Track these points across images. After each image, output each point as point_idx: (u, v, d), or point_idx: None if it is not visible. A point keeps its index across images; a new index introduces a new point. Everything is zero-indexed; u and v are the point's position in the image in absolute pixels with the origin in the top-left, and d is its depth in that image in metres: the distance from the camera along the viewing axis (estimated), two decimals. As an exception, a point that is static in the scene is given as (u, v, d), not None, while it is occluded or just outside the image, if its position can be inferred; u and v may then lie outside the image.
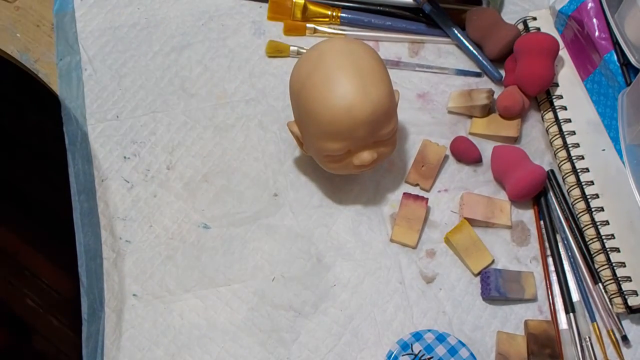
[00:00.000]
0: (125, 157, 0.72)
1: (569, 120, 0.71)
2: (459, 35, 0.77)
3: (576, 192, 0.69)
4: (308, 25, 0.78)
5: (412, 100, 0.75)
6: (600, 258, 0.66)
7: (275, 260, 0.67)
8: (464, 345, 0.63)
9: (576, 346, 0.64)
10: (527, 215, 0.70)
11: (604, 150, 0.70)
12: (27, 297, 1.34)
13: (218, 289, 0.66)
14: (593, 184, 0.68)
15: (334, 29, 0.79)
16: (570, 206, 0.69)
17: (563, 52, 0.75)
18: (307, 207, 0.70)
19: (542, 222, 0.69)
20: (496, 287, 0.65)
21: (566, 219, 0.69)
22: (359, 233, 0.69)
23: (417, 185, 0.71)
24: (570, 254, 0.68)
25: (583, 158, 0.69)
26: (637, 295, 0.64)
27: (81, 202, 0.69)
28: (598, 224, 0.66)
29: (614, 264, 0.65)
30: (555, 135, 0.71)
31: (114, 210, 0.69)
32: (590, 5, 0.71)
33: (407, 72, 0.77)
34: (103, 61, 0.76)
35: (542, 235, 0.69)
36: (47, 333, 1.33)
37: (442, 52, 0.78)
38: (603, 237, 0.66)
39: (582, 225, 0.68)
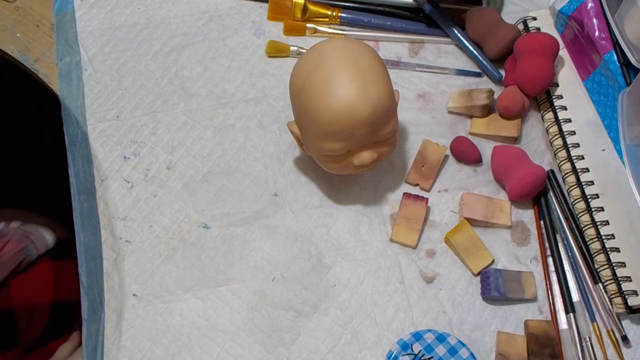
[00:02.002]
0: (125, 157, 0.72)
1: (569, 120, 0.71)
2: (459, 35, 0.77)
3: (576, 192, 0.69)
4: (308, 25, 0.78)
5: (412, 100, 0.75)
6: (600, 258, 0.66)
7: (275, 260, 0.67)
8: (464, 345, 0.63)
9: (576, 346, 0.64)
10: (527, 215, 0.70)
11: (604, 150, 0.70)
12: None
13: (218, 289, 0.66)
14: (593, 184, 0.68)
15: (334, 29, 0.79)
16: (570, 206, 0.69)
17: (563, 52, 0.75)
18: (307, 207, 0.70)
19: (542, 222, 0.69)
20: (496, 287, 0.65)
21: (566, 219, 0.69)
22: (359, 233, 0.69)
23: (417, 185, 0.71)
24: (570, 254, 0.68)
25: (583, 158, 0.69)
26: (637, 295, 0.64)
27: (81, 202, 0.69)
28: (598, 224, 0.66)
29: (614, 264, 0.65)
30: (555, 135, 0.71)
31: (114, 210, 0.69)
32: (590, 5, 0.71)
33: (407, 72, 0.77)
34: (103, 61, 0.76)
35: (542, 235, 0.69)
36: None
37: (442, 52, 0.78)
38: (603, 237, 0.66)
39: (582, 225, 0.68)
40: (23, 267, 0.84)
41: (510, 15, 0.79)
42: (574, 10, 0.72)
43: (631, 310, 0.64)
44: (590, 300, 0.66)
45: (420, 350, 0.62)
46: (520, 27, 0.77)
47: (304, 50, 0.76)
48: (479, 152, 0.71)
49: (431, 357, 0.62)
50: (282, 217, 0.69)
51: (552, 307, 0.66)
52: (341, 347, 0.64)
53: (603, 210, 0.67)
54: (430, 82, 0.76)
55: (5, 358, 0.81)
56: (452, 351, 0.62)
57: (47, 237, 0.88)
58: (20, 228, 0.88)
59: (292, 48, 0.77)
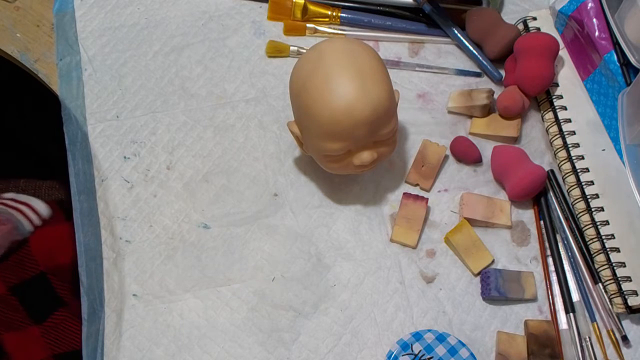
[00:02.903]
0: (125, 157, 0.72)
1: (569, 120, 0.71)
2: (459, 35, 0.77)
3: (576, 192, 0.69)
4: (308, 25, 0.78)
5: (412, 100, 0.75)
6: (600, 258, 0.66)
7: (275, 260, 0.67)
8: (464, 345, 0.63)
9: (576, 346, 0.64)
10: (527, 215, 0.70)
11: (604, 150, 0.70)
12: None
13: (218, 289, 0.66)
14: (593, 184, 0.68)
15: (334, 29, 0.79)
16: (570, 206, 0.69)
17: (563, 52, 0.75)
18: (307, 207, 0.70)
19: (542, 222, 0.69)
20: (496, 287, 0.65)
21: (566, 219, 0.69)
22: (359, 233, 0.69)
23: (417, 185, 0.71)
24: (570, 254, 0.68)
25: (583, 158, 0.69)
26: (637, 295, 0.64)
27: (81, 202, 0.69)
28: (598, 224, 0.66)
29: (614, 264, 0.65)
30: (555, 135, 0.71)
31: (114, 210, 0.69)
32: (590, 5, 0.71)
33: (407, 72, 0.77)
34: (103, 61, 0.76)
35: (542, 235, 0.69)
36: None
37: (442, 52, 0.78)
38: (603, 237, 0.66)
39: (582, 225, 0.68)
40: (16, 246, 0.84)
41: (510, 15, 0.79)
42: (574, 10, 0.72)
43: (631, 310, 0.64)
44: (590, 300, 0.66)
45: (420, 350, 0.62)
46: (520, 27, 0.77)
47: (304, 50, 0.76)
48: (479, 152, 0.71)
49: (431, 357, 0.62)
50: (282, 217, 0.69)
51: (552, 307, 0.66)
52: (341, 347, 0.64)
53: (603, 210, 0.67)
54: (430, 82, 0.76)
55: (61, 317, 0.83)
56: (452, 351, 0.62)
57: (40, 209, 0.88)
58: (11, 200, 0.88)
59: (292, 48, 0.77)
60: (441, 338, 0.63)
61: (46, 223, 0.87)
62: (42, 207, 0.88)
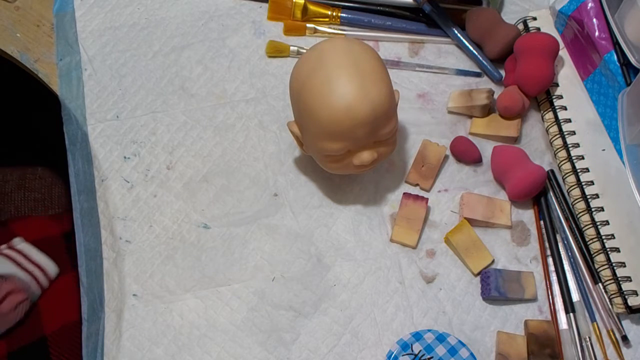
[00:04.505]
0: (125, 157, 0.72)
1: (569, 120, 0.71)
2: (459, 35, 0.77)
3: (576, 192, 0.69)
4: (308, 25, 0.78)
5: (412, 100, 0.75)
6: (600, 258, 0.66)
7: (275, 260, 0.67)
8: (464, 345, 0.63)
9: (576, 346, 0.64)
10: (527, 215, 0.70)
11: (604, 150, 0.70)
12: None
13: (218, 289, 0.66)
14: (593, 184, 0.68)
15: (334, 29, 0.79)
16: (570, 206, 0.69)
17: (563, 52, 0.75)
18: (307, 207, 0.70)
19: (542, 222, 0.69)
20: (496, 287, 0.65)
21: (566, 219, 0.69)
22: (359, 233, 0.69)
23: (417, 185, 0.71)
24: (570, 254, 0.68)
25: (583, 158, 0.69)
26: (637, 295, 0.64)
27: (81, 202, 0.69)
28: (598, 224, 0.66)
29: (614, 264, 0.65)
30: (555, 135, 0.71)
31: (114, 210, 0.69)
32: (590, 5, 0.71)
33: (407, 72, 0.77)
34: (103, 61, 0.76)
35: (542, 235, 0.69)
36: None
37: (442, 52, 0.78)
38: (603, 237, 0.66)
39: (582, 225, 0.68)
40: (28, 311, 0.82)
41: (510, 15, 0.79)
42: (574, 10, 0.72)
43: (631, 310, 0.64)
44: (590, 300, 0.66)
45: (420, 350, 0.62)
46: (520, 27, 0.77)
47: (304, 50, 0.76)
48: (479, 152, 0.71)
49: (431, 357, 0.62)
50: (282, 217, 0.69)
51: (552, 307, 0.66)
52: (341, 347, 0.64)
53: (603, 210, 0.67)
54: (430, 82, 0.76)
55: None
56: (452, 351, 0.62)
57: (50, 270, 0.86)
58: (21, 255, 0.86)
59: (292, 48, 0.77)
60: (441, 338, 0.63)
61: (53, 281, 0.86)
62: (51, 268, 0.86)
